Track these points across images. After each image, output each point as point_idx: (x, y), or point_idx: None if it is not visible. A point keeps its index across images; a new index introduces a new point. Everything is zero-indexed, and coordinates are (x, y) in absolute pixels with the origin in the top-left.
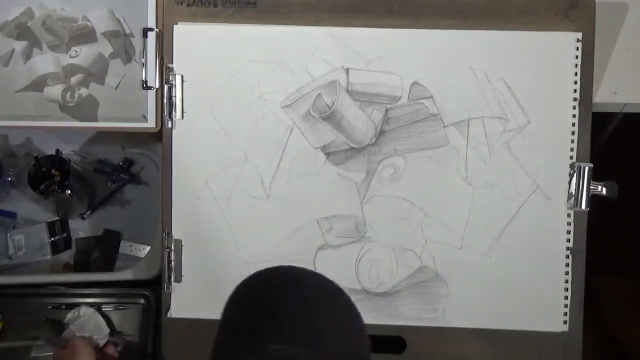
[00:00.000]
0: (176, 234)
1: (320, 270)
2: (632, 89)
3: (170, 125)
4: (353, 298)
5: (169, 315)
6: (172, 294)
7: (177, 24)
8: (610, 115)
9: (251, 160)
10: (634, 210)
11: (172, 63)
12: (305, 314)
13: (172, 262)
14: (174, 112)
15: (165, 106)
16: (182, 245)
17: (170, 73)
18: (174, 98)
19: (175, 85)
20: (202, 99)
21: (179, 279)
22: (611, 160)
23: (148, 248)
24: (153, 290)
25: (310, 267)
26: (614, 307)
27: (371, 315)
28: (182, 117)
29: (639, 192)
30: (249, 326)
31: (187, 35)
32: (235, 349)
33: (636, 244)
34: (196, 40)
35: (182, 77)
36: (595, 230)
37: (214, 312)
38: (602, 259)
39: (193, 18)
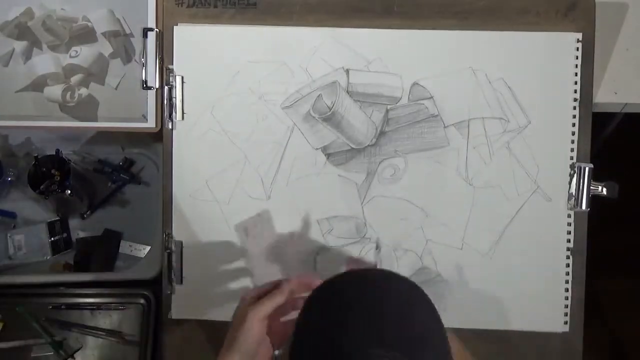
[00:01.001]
0: (177, 235)
1: (321, 270)
2: (632, 89)
3: (170, 126)
4: None
5: (169, 316)
6: (173, 296)
7: (177, 24)
8: (610, 115)
9: (251, 161)
10: (634, 210)
11: (172, 64)
12: (402, 317)
13: (173, 263)
14: (174, 113)
15: (166, 107)
16: (182, 247)
17: (171, 74)
18: (174, 99)
19: (175, 86)
20: (203, 100)
21: (179, 281)
22: (611, 160)
23: (148, 248)
24: (153, 290)
25: (310, 268)
26: (614, 307)
27: None
28: (183, 118)
29: (639, 192)
30: (342, 325)
31: (188, 36)
32: (325, 354)
33: (636, 244)
34: (196, 41)
35: (182, 78)
36: (595, 230)
37: (215, 313)
38: (602, 259)
39: (193, 19)
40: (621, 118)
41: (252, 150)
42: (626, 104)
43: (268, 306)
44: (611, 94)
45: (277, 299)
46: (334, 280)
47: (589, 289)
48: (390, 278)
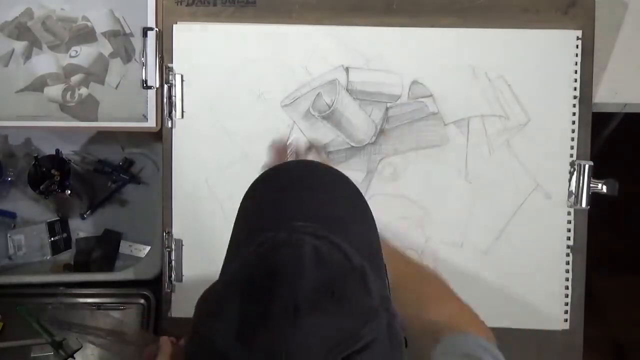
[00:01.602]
0: (176, 233)
1: None
2: (632, 89)
3: (170, 125)
4: None
5: (169, 314)
6: (173, 294)
7: (176, 23)
8: (610, 115)
9: (251, 160)
10: (634, 210)
11: (172, 62)
12: (324, 198)
13: (173, 261)
14: (173, 112)
15: (165, 106)
16: (182, 245)
17: (170, 72)
18: (173, 97)
19: (175, 85)
20: (202, 98)
21: (179, 279)
22: (611, 160)
23: (148, 248)
24: (153, 290)
25: None
26: (614, 306)
27: None
28: (182, 116)
29: (639, 192)
30: (272, 206)
31: (187, 34)
32: (258, 228)
33: (636, 243)
34: (196, 40)
35: (182, 76)
36: (596, 230)
37: None
38: (602, 258)
39: (193, 17)
40: (621, 118)
41: (252, 148)
42: (626, 104)
43: None
44: (611, 94)
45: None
46: (266, 172)
47: (588, 288)
48: (316, 166)
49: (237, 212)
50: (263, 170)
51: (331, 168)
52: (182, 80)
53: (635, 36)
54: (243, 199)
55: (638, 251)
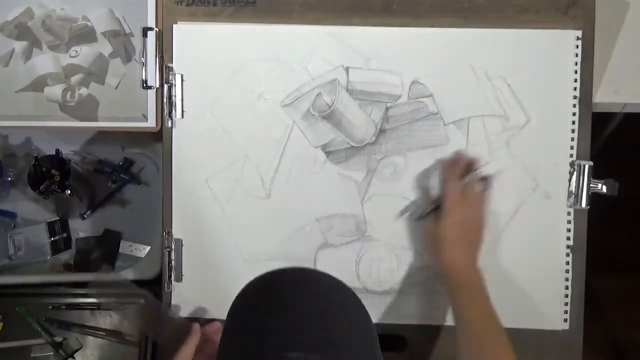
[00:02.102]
0: (176, 233)
1: (320, 269)
2: (632, 89)
3: (170, 125)
4: None
5: (169, 314)
6: (173, 293)
7: (176, 23)
8: (610, 115)
9: (251, 160)
10: (634, 210)
11: (172, 62)
12: (319, 320)
13: (173, 261)
14: (173, 112)
15: (165, 105)
16: (182, 245)
17: (170, 72)
18: (173, 97)
19: (175, 85)
20: (202, 98)
21: (179, 279)
22: (611, 160)
23: (148, 248)
24: (153, 290)
25: (310, 266)
26: (614, 306)
27: (372, 314)
28: (182, 116)
29: (639, 192)
30: (262, 332)
31: (187, 34)
32: (246, 356)
33: (636, 243)
34: (196, 40)
35: (182, 76)
36: (596, 229)
37: (215, 311)
38: (602, 258)
39: (193, 17)
40: (621, 118)
41: (252, 148)
42: (626, 104)
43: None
44: (611, 94)
45: (193, 340)
46: (256, 283)
47: (588, 288)
48: (313, 279)
49: (224, 331)
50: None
51: (324, 277)
52: (182, 80)
53: (635, 36)
54: (231, 320)
55: (638, 251)
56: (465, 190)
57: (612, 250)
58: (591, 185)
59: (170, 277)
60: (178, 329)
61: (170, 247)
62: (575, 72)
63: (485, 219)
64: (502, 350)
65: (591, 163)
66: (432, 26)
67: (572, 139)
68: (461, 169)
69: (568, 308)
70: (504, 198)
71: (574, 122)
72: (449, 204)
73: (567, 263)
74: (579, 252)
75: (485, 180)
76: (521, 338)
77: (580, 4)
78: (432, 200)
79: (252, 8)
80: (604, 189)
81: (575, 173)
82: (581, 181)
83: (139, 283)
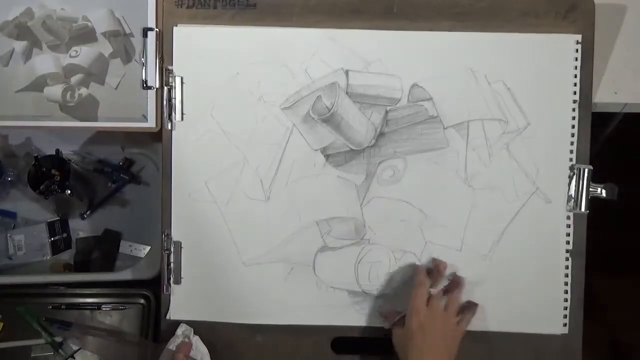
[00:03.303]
0: (175, 235)
1: (319, 272)
2: (632, 89)
3: (169, 127)
4: (353, 300)
5: (168, 317)
6: (172, 296)
7: (177, 26)
8: (610, 115)
9: (251, 162)
10: (634, 210)
11: (172, 65)
12: None
13: (172, 264)
14: (173, 114)
15: (165, 108)
16: (181, 247)
17: (170, 75)
18: (173, 100)
19: (174, 87)
20: (202, 100)
21: (178, 281)
22: (611, 160)
23: (148, 248)
24: (153, 290)
25: (309, 269)
26: (614, 307)
27: (371, 317)
28: (182, 119)
29: (639, 192)
30: None
31: (187, 37)
32: None
33: (636, 244)
34: (196, 42)
35: (181, 79)
36: (596, 229)
37: (213, 314)
38: (602, 259)
39: (193, 20)
40: (621, 118)
41: (251, 151)
42: (626, 104)
43: None
44: (611, 94)
45: None
46: None
47: (588, 289)
48: None
49: None
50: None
51: None
52: (182, 83)
53: (635, 37)
54: None
55: (638, 252)
56: (432, 300)
57: (613, 250)
58: (591, 189)
59: (169, 279)
60: None
61: (170, 250)
62: (575, 76)
63: (447, 333)
64: None
65: (591, 167)
66: (432, 30)
67: (572, 143)
68: (435, 276)
69: (567, 312)
70: (503, 202)
71: (573, 126)
72: (414, 310)
73: (567, 267)
74: (578, 256)
75: (456, 288)
76: (520, 342)
77: (580, 9)
78: (400, 313)
79: (253, 11)
80: (604, 193)
81: (574, 177)
82: (581, 185)
83: (139, 283)
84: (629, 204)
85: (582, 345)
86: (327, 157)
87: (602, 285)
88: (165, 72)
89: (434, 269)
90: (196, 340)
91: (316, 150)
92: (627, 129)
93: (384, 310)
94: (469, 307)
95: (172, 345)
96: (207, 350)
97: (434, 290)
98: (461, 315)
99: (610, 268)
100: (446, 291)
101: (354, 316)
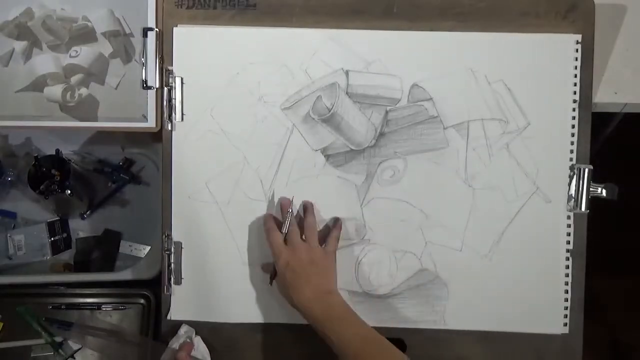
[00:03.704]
0: (176, 236)
1: None
2: (632, 89)
3: (170, 128)
4: (353, 300)
5: (168, 317)
6: (172, 297)
7: (176, 26)
8: (610, 115)
9: (251, 163)
10: (634, 210)
11: (172, 65)
12: None
13: (172, 264)
14: (173, 114)
15: (165, 108)
16: (181, 248)
17: (170, 75)
18: (173, 100)
19: (174, 88)
20: (202, 101)
21: (178, 281)
22: (611, 160)
23: (148, 248)
24: (153, 290)
25: None
26: (614, 307)
27: (371, 317)
28: (182, 119)
29: (639, 192)
30: None
31: (187, 37)
32: None
33: (636, 244)
34: (196, 43)
35: (181, 79)
36: (596, 229)
37: (214, 314)
38: (602, 259)
39: (193, 20)
40: (621, 118)
41: (251, 151)
42: (626, 104)
43: None
44: (611, 94)
45: None
46: None
47: (588, 289)
48: None
49: None
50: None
51: None
52: (182, 83)
53: (634, 37)
54: None
55: (638, 252)
56: (288, 236)
57: (613, 250)
58: (591, 189)
59: (169, 280)
60: None
61: (170, 250)
62: (575, 76)
63: (316, 259)
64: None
65: (591, 167)
66: (432, 30)
67: (572, 143)
68: (283, 214)
69: (568, 312)
70: (503, 201)
71: (573, 126)
72: (275, 255)
73: (567, 267)
74: (578, 256)
75: (307, 214)
76: (521, 342)
77: (580, 9)
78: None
79: (253, 11)
80: (604, 193)
81: (575, 177)
82: (581, 185)
83: (139, 283)
84: (629, 204)
85: (582, 345)
86: (327, 157)
87: (602, 285)
88: (165, 73)
89: (281, 208)
90: (198, 341)
91: (316, 150)
92: (627, 129)
93: (263, 266)
94: (333, 226)
95: (175, 344)
96: (208, 351)
97: (285, 228)
98: (328, 236)
99: (610, 268)
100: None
101: None
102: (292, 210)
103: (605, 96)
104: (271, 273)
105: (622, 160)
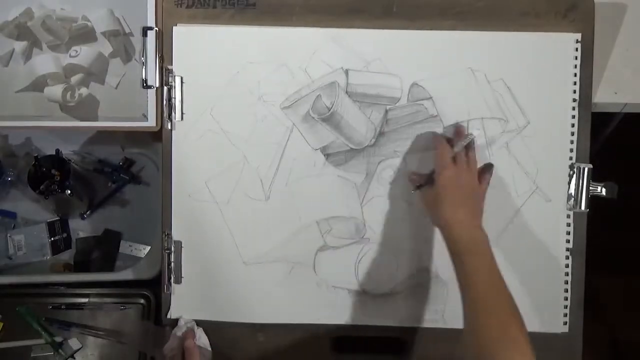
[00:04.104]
0: (176, 235)
1: (320, 271)
2: (632, 89)
3: (169, 127)
4: (353, 299)
5: (168, 316)
6: (172, 295)
7: (176, 25)
8: (610, 115)
9: (251, 162)
10: (634, 210)
11: (172, 64)
12: None
13: (172, 263)
14: (173, 114)
15: (165, 108)
16: (181, 247)
17: (170, 74)
18: (173, 99)
19: (174, 87)
20: (202, 100)
21: (178, 280)
22: (611, 160)
23: (148, 248)
24: (153, 290)
25: (310, 269)
26: (614, 307)
27: (371, 316)
28: (182, 118)
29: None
30: None
31: (187, 36)
32: None
33: (636, 243)
34: (195, 42)
35: (181, 78)
36: (596, 229)
37: (214, 313)
38: (602, 258)
39: (192, 20)
40: (621, 118)
41: (251, 150)
42: (626, 104)
43: None
44: (611, 94)
45: None
46: None
47: (588, 288)
48: None
49: None
50: None
51: None
52: (181, 82)
53: (634, 36)
54: None
55: (638, 251)
56: (457, 157)
57: (613, 250)
58: (591, 188)
59: (169, 279)
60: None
61: (170, 249)
62: (575, 75)
63: (475, 187)
64: (511, 321)
65: (590, 166)
66: (431, 29)
67: (572, 142)
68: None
69: (568, 311)
70: (503, 200)
71: (573, 125)
72: (441, 166)
73: (567, 266)
74: (578, 255)
75: (470, 149)
76: None
77: (580, 8)
78: (428, 173)
79: (252, 10)
80: (604, 192)
81: (574, 176)
82: (581, 184)
83: (139, 283)
84: (629, 204)
85: (582, 345)
86: (327, 156)
87: (602, 284)
88: (165, 72)
89: (455, 131)
90: (200, 332)
91: (316, 149)
92: (627, 129)
93: (409, 174)
94: (486, 168)
95: (179, 332)
96: (208, 342)
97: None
98: (481, 176)
99: (610, 268)
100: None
101: (354, 315)
102: (468, 136)
103: (605, 96)
104: (422, 181)
105: (622, 160)
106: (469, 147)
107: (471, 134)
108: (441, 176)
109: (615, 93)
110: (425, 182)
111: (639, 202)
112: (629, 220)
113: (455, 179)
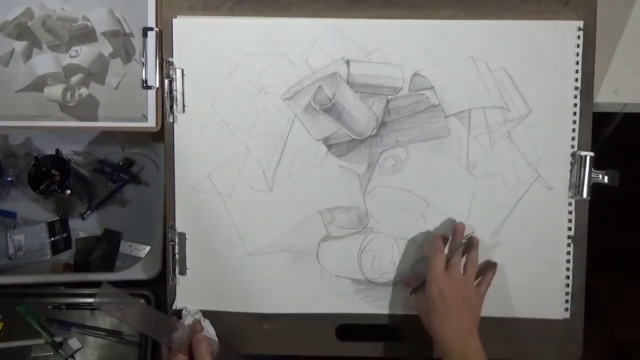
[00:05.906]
0: (180, 227)
1: (323, 261)
2: (632, 89)
3: (171, 120)
4: (357, 288)
5: (174, 307)
6: (177, 286)
7: (176, 17)
8: (611, 115)
9: (253, 153)
10: (634, 210)
11: (172, 57)
12: None
13: (176, 255)
14: (175, 106)
15: (167, 100)
16: (185, 238)
17: (171, 67)
18: (174, 92)
19: (175, 79)
20: (203, 92)
21: (183, 272)
22: (611, 161)
23: (148, 248)
24: (153, 290)
25: (313, 259)
26: (614, 306)
27: (374, 304)
28: (184, 111)
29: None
30: None
31: (187, 28)
32: None
33: (636, 243)
34: (196, 34)
35: (182, 70)
36: (596, 229)
37: (219, 303)
38: (602, 258)
39: (192, 11)
40: (621, 118)
41: (253, 142)
42: (626, 104)
43: None
44: (611, 94)
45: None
46: None
47: (589, 287)
48: None
49: None
50: None
51: None
52: (182, 75)
53: (635, 37)
54: None
55: (638, 251)
56: (450, 264)
57: (613, 249)
58: (592, 175)
59: (174, 270)
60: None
61: (174, 241)
62: (577, 62)
63: (469, 296)
64: None
65: (592, 154)
66: (432, 18)
67: (574, 130)
68: (453, 240)
69: (569, 297)
70: (505, 189)
71: (575, 113)
72: (432, 278)
73: (569, 253)
74: (579, 242)
75: (472, 249)
76: (522, 327)
77: None
78: (423, 278)
79: (252, 1)
80: (606, 180)
81: (576, 164)
82: (582, 172)
83: (139, 283)
84: (629, 203)
85: (582, 345)
86: (329, 147)
87: (602, 284)
88: (166, 65)
89: (453, 231)
90: (207, 324)
91: (318, 140)
92: (627, 129)
93: (404, 277)
94: (488, 267)
95: (187, 320)
96: (215, 334)
97: (450, 254)
98: (481, 277)
99: (610, 268)
100: (462, 253)
101: (358, 304)
102: (464, 240)
103: (606, 96)
104: (416, 285)
105: (622, 160)
106: (471, 247)
107: (472, 233)
108: (431, 288)
109: (616, 93)
110: (419, 287)
111: (639, 202)
112: (630, 220)
113: (447, 291)
